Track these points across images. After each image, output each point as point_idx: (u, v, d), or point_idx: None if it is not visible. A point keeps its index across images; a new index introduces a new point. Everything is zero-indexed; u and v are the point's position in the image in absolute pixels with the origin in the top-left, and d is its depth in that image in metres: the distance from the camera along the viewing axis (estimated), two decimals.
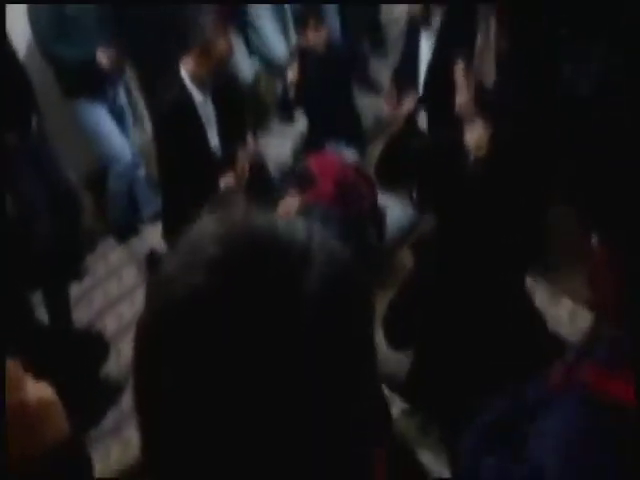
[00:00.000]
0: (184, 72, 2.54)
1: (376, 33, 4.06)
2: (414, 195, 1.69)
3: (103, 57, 2.96)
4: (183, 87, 2.53)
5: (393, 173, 2.65)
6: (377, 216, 2.65)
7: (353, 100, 3.29)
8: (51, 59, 3.04)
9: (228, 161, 2.69)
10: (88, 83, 3.04)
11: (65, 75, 3.08)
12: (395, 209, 2.75)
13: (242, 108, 2.96)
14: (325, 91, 3.08)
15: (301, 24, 3.16)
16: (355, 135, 3.22)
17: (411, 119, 2.89)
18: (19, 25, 3.05)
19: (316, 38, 3.04)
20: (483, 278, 1.54)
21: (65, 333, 2.67)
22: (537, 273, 1.98)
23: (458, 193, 1.63)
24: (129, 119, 3.38)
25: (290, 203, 2.49)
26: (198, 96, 2.58)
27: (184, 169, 2.52)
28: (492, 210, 1.62)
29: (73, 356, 2.42)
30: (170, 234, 2.69)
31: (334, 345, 0.43)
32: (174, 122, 2.49)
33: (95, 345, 2.55)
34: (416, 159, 1.74)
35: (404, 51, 3.04)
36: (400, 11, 3.94)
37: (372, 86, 3.71)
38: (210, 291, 0.42)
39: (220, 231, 0.46)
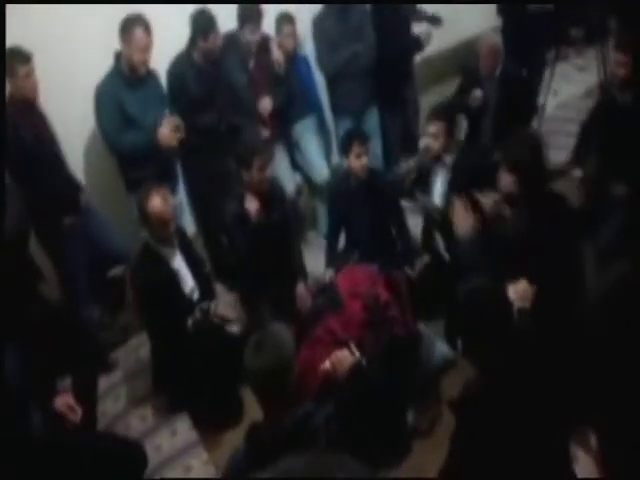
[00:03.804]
0: (146, 235, 2.77)
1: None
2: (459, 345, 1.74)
3: (164, 126, 3.14)
4: (149, 250, 2.77)
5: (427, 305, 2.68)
6: (412, 340, 2.55)
7: (401, 223, 3.34)
8: (116, 149, 3.28)
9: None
10: (150, 172, 3.19)
11: (128, 165, 3.29)
12: (436, 343, 2.71)
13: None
14: (367, 215, 3.20)
15: (345, 149, 3.25)
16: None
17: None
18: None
19: (358, 164, 3.17)
20: (526, 442, 1.54)
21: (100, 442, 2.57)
22: (578, 441, 1.95)
23: (504, 347, 1.68)
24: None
25: (344, 357, 2.14)
26: (167, 252, 2.81)
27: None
28: (538, 367, 1.66)
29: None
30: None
31: None
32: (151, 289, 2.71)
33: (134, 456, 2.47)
34: (462, 310, 1.79)
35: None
36: None
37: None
38: None
39: None
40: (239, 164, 3.07)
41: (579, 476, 1.74)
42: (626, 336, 1.58)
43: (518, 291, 2.00)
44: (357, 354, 2.09)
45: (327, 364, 2.10)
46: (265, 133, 3.67)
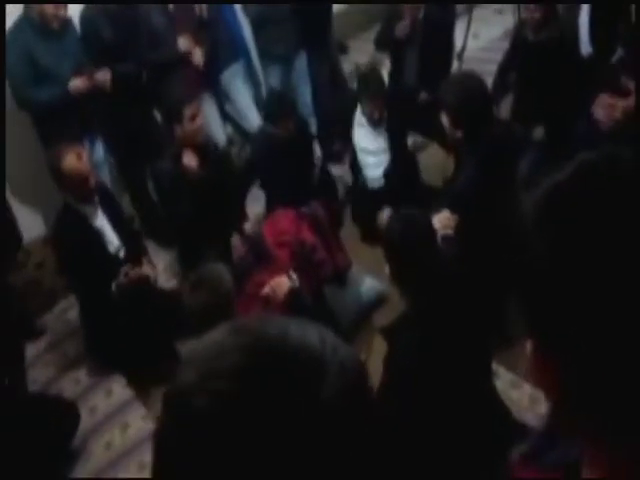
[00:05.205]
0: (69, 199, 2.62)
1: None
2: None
3: (77, 81, 3.02)
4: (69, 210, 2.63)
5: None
6: (340, 278, 2.59)
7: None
8: (27, 104, 3.07)
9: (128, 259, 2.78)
10: (66, 128, 3.02)
11: (42, 120, 3.10)
12: (367, 279, 2.75)
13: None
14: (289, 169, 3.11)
15: (272, 119, 3.09)
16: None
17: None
18: None
19: (283, 129, 3.03)
20: (455, 361, 1.59)
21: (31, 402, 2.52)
22: (499, 359, 2.04)
23: (430, 273, 1.70)
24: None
25: (282, 282, 2.12)
26: (88, 211, 2.67)
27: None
28: (463, 290, 1.69)
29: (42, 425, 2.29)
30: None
31: (351, 453, 0.46)
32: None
33: (65, 415, 2.41)
34: (387, 238, 1.79)
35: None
36: None
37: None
38: (230, 398, 0.45)
39: (238, 340, 0.49)
40: (169, 118, 2.92)
41: (499, 389, 1.83)
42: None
43: (441, 220, 2.03)
44: (295, 280, 2.10)
45: (267, 289, 2.10)
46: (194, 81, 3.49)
